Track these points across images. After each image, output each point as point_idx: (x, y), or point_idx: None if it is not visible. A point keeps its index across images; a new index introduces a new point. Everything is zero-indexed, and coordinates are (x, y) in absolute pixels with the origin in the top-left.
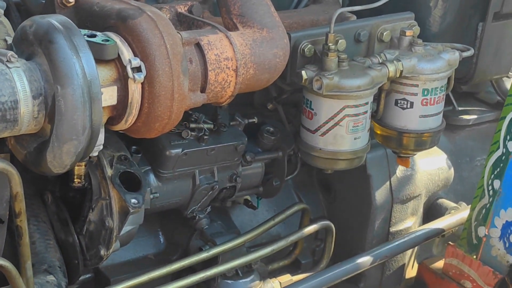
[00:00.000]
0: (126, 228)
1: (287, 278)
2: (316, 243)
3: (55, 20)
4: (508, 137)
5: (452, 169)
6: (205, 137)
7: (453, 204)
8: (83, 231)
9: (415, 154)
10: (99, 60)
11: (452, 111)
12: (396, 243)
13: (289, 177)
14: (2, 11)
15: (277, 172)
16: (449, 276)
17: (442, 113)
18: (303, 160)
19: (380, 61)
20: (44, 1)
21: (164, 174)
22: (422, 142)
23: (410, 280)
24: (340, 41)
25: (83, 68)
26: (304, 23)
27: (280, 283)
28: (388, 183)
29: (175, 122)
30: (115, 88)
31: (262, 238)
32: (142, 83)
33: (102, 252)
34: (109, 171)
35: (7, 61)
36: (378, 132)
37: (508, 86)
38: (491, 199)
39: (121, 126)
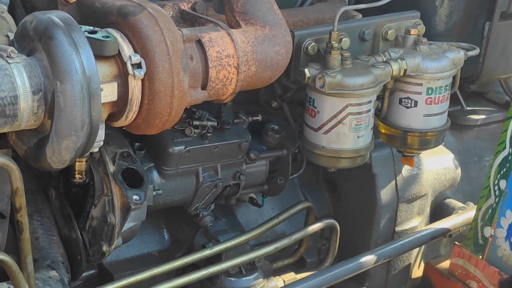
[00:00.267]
0: (128, 224)
1: (291, 277)
2: (322, 241)
3: (56, 16)
4: None
5: (459, 169)
6: (209, 134)
7: (460, 204)
8: (86, 227)
9: (419, 153)
10: (100, 57)
11: (460, 111)
12: (401, 242)
13: (294, 176)
14: (6, 7)
15: (282, 170)
16: (455, 276)
17: (447, 112)
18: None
19: (384, 59)
20: None
21: (167, 171)
22: (426, 141)
23: (416, 280)
24: (344, 39)
25: (83, 64)
26: (309, 21)
27: (284, 281)
28: (393, 182)
29: (176, 119)
30: (115, 84)
31: (267, 236)
32: (142, 80)
33: (105, 248)
34: (111, 168)
35: (7, 56)
36: (383, 131)
37: None
38: (497, 199)
39: (122, 122)
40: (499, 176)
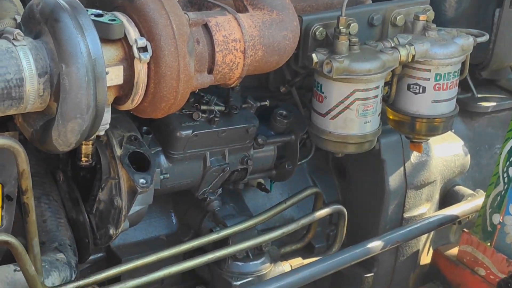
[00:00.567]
0: (135, 208)
1: (298, 262)
2: (330, 227)
3: None
4: None
5: (469, 156)
6: (216, 119)
7: (469, 191)
8: (93, 210)
9: (428, 140)
10: (106, 40)
11: (471, 98)
12: (409, 228)
13: (303, 161)
14: None
15: (290, 155)
16: (463, 263)
17: (455, 99)
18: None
19: (393, 45)
20: None
21: (174, 155)
22: (434, 127)
23: (425, 266)
24: (352, 24)
25: (88, 47)
26: (318, 6)
27: (291, 266)
28: (402, 168)
29: (182, 103)
30: (121, 67)
31: (275, 221)
32: (148, 63)
33: (112, 231)
34: (118, 151)
35: (14, 39)
36: (391, 117)
37: None
38: (506, 187)
39: (128, 105)
40: (508, 163)
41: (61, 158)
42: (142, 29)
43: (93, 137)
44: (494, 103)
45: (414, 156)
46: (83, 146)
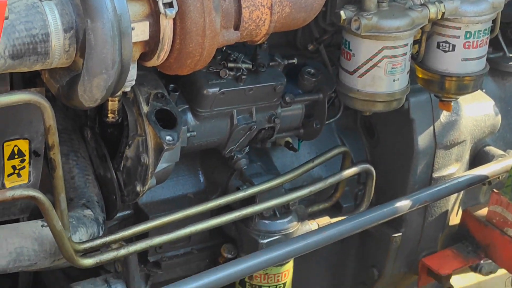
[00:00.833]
0: (162, 165)
1: (326, 221)
2: (359, 187)
3: None
4: None
5: (500, 115)
6: (243, 77)
7: (500, 152)
8: (120, 167)
9: (457, 98)
10: None
11: (502, 57)
12: (437, 188)
13: (331, 120)
14: None
15: (318, 114)
16: (492, 224)
17: (485, 57)
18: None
19: (422, 2)
20: None
21: (201, 113)
22: (464, 86)
23: (454, 227)
24: None
25: (113, 2)
26: None
27: (318, 224)
28: (431, 128)
29: (207, 60)
30: (147, 23)
31: (303, 180)
32: (174, 19)
33: (138, 188)
34: (145, 108)
35: None
36: (420, 75)
37: None
38: None
39: (154, 62)
40: None
41: (89, 115)
42: None
43: (119, 93)
44: None
45: (444, 116)
46: (109, 102)
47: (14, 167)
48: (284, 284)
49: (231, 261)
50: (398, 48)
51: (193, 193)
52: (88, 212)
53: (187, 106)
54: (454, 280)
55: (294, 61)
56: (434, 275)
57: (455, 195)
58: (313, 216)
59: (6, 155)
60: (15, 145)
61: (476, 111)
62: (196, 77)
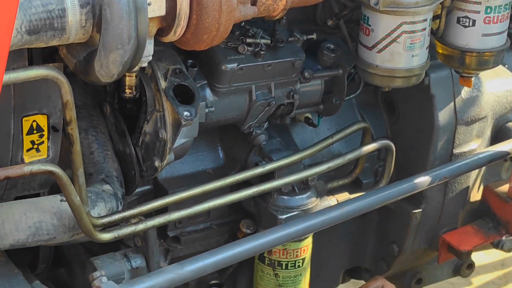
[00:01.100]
0: (180, 140)
1: (345, 196)
2: (379, 163)
3: None
4: None
5: None
6: (262, 52)
7: None
8: (139, 143)
9: (477, 74)
10: None
11: None
12: (457, 164)
13: (351, 96)
14: None
15: (337, 90)
16: None
17: (506, 32)
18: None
19: None
20: None
21: (220, 88)
22: (484, 61)
23: (475, 203)
24: None
25: None
26: None
27: (337, 200)
28: (452, 104)
29: (224, 35)
30: None
31: (323, 156)
32: None
33: (157, 163)
34: (163, 84)
35: None
36: (440, 51)
37: None
38: None
39: (171, 37)
40: None
41: (108, 91)
42: None
43: (136, 68)
44: None
45: (465, 91)
46: (127, 78)
47: (33, 142)
48: (303, 259)
49: (250, 236)
50: (417, 23)
51: (212, 169)
52: (107, 187)
53: (206, 82)
54: (479, 256)
55: (313, 36)
56: (455, 252)
57: (476, 171)
58: (333, 192)
59: (25, 130)
60: (34, 120)
61: (498, 86)
62: (215, 53)
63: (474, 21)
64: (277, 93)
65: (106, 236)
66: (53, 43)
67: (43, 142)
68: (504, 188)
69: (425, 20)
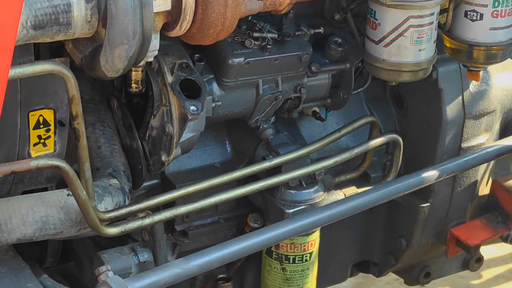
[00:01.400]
0: (187, 135)
1: (352, 191)
2: (387, 157)
3: None
4: None
5: None
6: (269, 46)
7: None
8: (146, 137)
9: (485, 68)
10: None
11: None
12: (465, 158)
13: (359, 90)
14: None
15: (345, 84)
16: None
17: None
18: None
19: None
20: None
21: (226, 82)
22: (492, 55)
23: (483, 197)
24: None
25: None
26: None
27: (344, 194)
28: (460, 97)
29: (230, 30)
30: None
31: (331, 150)
32: None
33: (164, 158)
34: (169, 78)
35: None
36: (448, 44)
37: None
38: None
39: (176, 32)
40: None
41: (115, 85)
42: None
43: (142, 63)
44: None
45: (473, 85)
46: (133, 73)
47: (39, 137)
48: (311, 253)
49: (258, 230)
50: (425, 17)
51: (219, 163)
52: (114, 181)
53: (213, 76)
54: (489, 250)
55: (320, 30)
56: (463, 246)
57: (485, 165)
58: (341, 186)
59: (32, 124)
60: (40, 115)
61: (507, 80)
62: (221, 47)
63: (482, 15)
64: (284, 87)
65: (113, 230)
66: (58, 38)
67: (49, 136)
68: None
69: (433, 14)
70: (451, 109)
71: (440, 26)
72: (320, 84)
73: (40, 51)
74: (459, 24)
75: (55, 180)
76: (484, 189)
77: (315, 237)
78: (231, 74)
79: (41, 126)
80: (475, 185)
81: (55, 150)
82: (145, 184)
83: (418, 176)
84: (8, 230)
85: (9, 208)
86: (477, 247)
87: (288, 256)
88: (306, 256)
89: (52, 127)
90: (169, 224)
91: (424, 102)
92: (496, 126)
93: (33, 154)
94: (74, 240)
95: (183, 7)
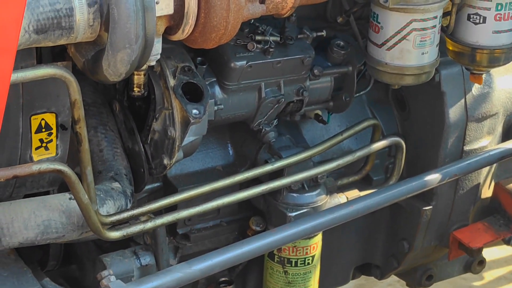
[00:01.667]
0: (189, 138)
1: (355, 194)
2: (390, 160)
3: None
4: None
5: None
6: (271, 49)
7: None
8: (148, 140)
9: (488, 71)
10: None
11: None
12: (468, 161)
13: (362, 93)
14: None
15: (347, 87)
16: None
17: None
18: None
19: None
20: None
21: (229, 86)
22: (495, 58)
23: (486, 200)
24: None
25: None
26: None
27: (347, 198)
28: (463, 100)
29: (233, 33)
30: None
31: (333, 153)
32: None
33: (166, 161)
34: (171, 82)
35: None
36: (450, 48)
37: None
38: None
39: (179, 36)
40: None
41: (117, 88)
42: None
43: (144, 67)
44: None
45: (476, 88)
46: (135, 76)
47: (41, 141)
48: (313, 257)
49: (260, 233)
50: (427, 20)
51: (222, 166)
52: (116, 184)
53: (215, 79)
54: (491, 251)
55: (323, 33)
56: (465, 249)
57: (487, 168)
58: (343, 189)
59: (34, 128)
60: (42, 119)
61: (509, 83)
62: (224, 50)
63: (484, 18)
64: (286, 90)
65: (115, 234)
66: (61, 42)
67: (51, 140)
68: None
69: (435, 17)
70: (454, 112)
71: (443, 29)
72: (322, 87)
73: (42, 55)
74: (462, 27)
75: (57, 183)
76: (487, 192)
77: (318, 240)
78: (234, 77)
79: (43, 130)
80: (477, 188)
81: (57, 154)
82: (147, 187)
83: (421, 179)
84: (10, 234)
85: (11, 212)
86: (480, 250)
87: (291, 259)
88: (309, 259)
89: (54, 131)
90: (171, 227)
91: (427, 105)
92: (499, 129)
93: (35, 158)
94: (76, 243)
95: (185, 11)
